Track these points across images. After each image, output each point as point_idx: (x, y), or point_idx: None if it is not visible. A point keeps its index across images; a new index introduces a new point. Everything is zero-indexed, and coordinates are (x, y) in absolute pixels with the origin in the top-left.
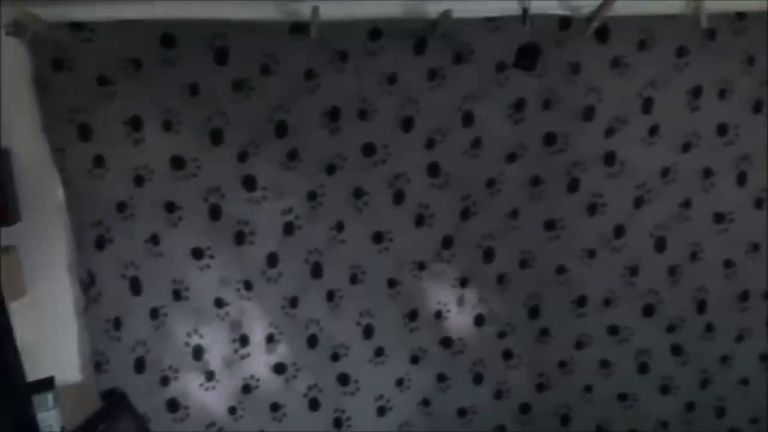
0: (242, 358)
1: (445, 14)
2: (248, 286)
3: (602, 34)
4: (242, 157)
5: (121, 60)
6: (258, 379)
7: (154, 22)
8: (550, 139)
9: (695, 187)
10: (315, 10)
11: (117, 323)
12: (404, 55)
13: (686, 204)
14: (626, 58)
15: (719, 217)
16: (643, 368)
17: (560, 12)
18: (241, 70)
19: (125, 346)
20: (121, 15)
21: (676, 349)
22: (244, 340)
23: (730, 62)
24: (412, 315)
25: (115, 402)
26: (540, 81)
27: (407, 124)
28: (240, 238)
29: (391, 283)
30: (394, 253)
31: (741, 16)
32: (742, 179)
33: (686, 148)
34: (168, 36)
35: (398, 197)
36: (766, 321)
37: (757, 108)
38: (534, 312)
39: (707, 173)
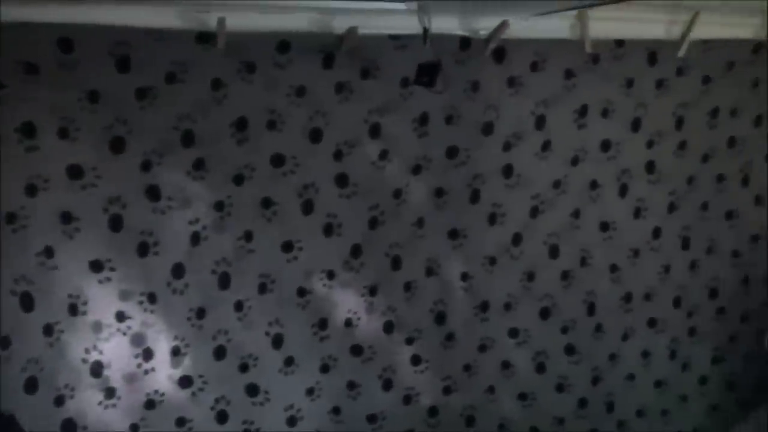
0: (146, 372)
1: (351, 31)
2: (152, 298)
3: (499, 55)
4: (146, 166)
5: (15, 63)
6: (162, 394)
7: (50, 25)
8: (452, 152)
9: (583, 198)
10: (221, 21)
11: (5, 342)
12: (313, 69)
13: (576, 214)
14: (521, 78)
15: (605, 226)
16: (540, 368)
17: (461, 33)
18: (144, 77)
19: (14, 365)
20: (18, 17)
21: (570, 349)
22: (147, 354)
23: (612, 84)
24: (322, 324)
25: (1, 426)
26: (442, 97)
27: (316, 135)
28: (143, 250)
29: (301, 292)
30: (303, 262)
31: (620, 43)
32: (623, 191)
33: (575, 162)
34: (65, 40)
35: (307, 207)
36: (647, 321)
37: (635, 127)
38: (440, 318)
39: (593, 185)
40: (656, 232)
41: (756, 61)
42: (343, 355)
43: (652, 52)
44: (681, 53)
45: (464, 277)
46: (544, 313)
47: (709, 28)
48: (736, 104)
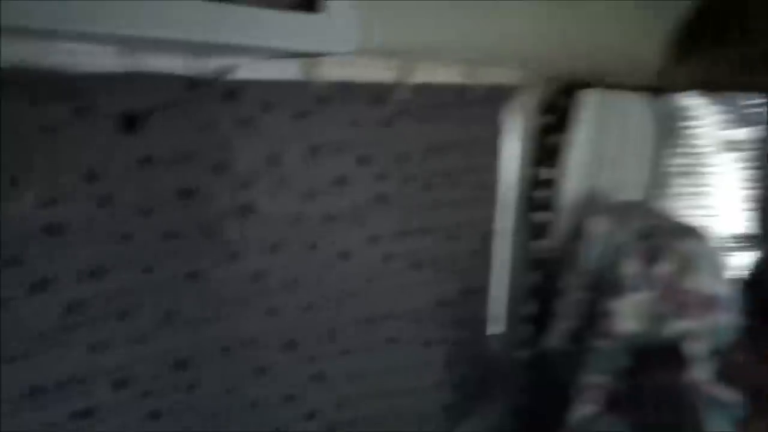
0: None
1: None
2: None
3: (230, 96)
4: None
5: None
6: None
7: None
8: (185, 192)
9: (320, 231)
10: None
11: None
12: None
13: (313, 246)
14: (253, 119)
15: (343, 255)
16: (289, 399)
17: (186, 73)
18: None
19: None
20: None
21: (317, 377)
22: None
23: (341, 124)
24: None
25: None
26: (174, 137)
27: None
28: None
29: None
30: None
31: (346, 85)
32: (360, 222)
33: (310, 197)
34: None
35: None
36: (386, 339)
37: (365, 162)
38: (181, 365)
39: (329, 218)
40: (389, 258)
41: (462, 103)
42: None
43: (375, 94)
44: (400, 96)
45: (207, 320)
46: (290, 346)
47: (423, 74)
48: (449, 140)
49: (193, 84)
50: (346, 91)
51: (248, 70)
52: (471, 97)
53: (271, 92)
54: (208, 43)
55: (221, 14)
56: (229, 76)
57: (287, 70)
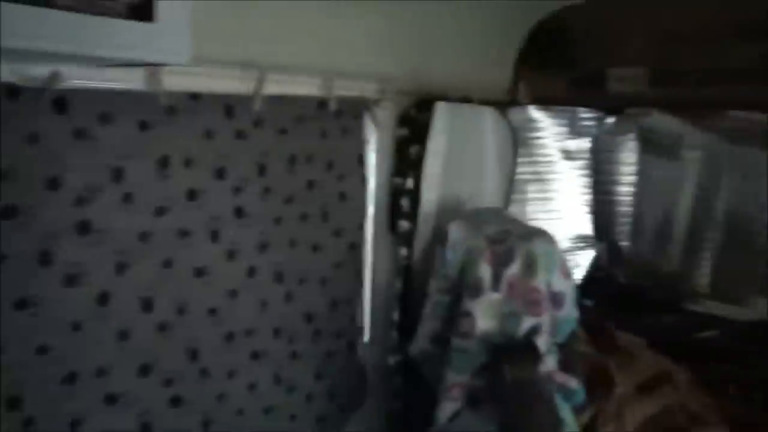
0: None
1: None
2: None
3: (61, 105)
4: None
5: None
6: None
7: None
8: (10, 210)
9: (174, 247)
10: None
11: None
12: None
13: (168, 263)
14: (90, 130)
15: (199, 272)
16: (145, 428)
17: (8, 80)
18: None
19: None
20: None
21: (175, 401)
22: None
23: (192, 136)
24: None
25: None
26: None
27: None
28: None
29: None
30: None
31: (196, 96)
32: (215, 236)
33: (161, 212)
34: None
35: None
36: (251, 355)
37: (219, 175)
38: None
39: (183, 234)
40: (251, 271)
41: (321, 115)
42: None
43: (229, 105)
44: (256, 107)
45: (42, 350)
46: (144, 371)
47: (279, 86)
48: (309, 152)
49: (14, 92)
50: (198, 101)
51: (82, 78)
52: (330, 109)
53: (111, 102)
54: (28, 50)
55: (43, 19)
56: (59, 85)
57: (130, 80)
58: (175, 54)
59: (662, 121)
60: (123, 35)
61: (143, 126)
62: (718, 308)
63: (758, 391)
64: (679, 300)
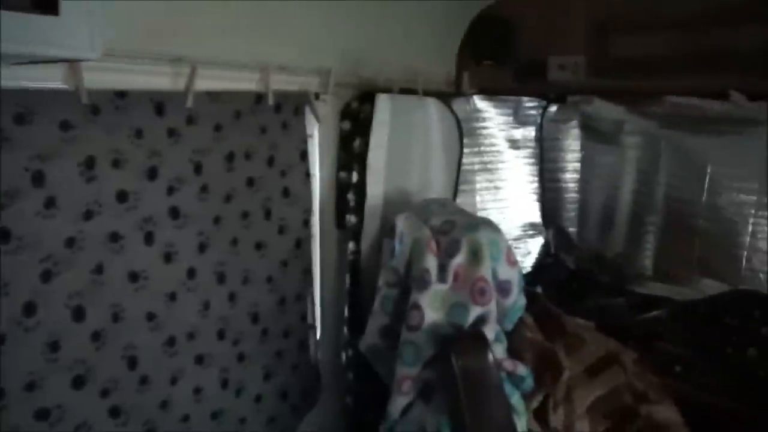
0: None
1: None
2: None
3: None
4: None
5: None
6: None
7: None
8: None
9: (105, 252)
10: None
11: None
12: None
13: (99, 269)
14: (6, 132)
15: (134, 276)
16: None
17: None
18: None
19: None
20: None
21: (115, 411)
22: None
23: (119, 135)
24: None
25: None
26: None
27: None
28: None
29: None
30: None
31: (122, 94)
32: (149, 239)
33: (89, 216)
34: None
35: None
36: (195, 359)
37: (151, 175)
38: None
39: (114, 237)
40: (191, 273)
41: (259, 110)
42: None
43: (160, 102)
44: (189, 104)
45: None
46: (79, 382)
47: (214, 82)
48: (249, 149)
49: None
50: (126, 99)
51: None
52: (268, 104)
53: (27, 102)
54: None
55: None
56: None
57: (48, 78)
58: (83, 49)
59: (603, 108)
60: (27, 29)
61: (64, 126)
62: (661, 289)
63: (699, 367)
64: (625, 282)
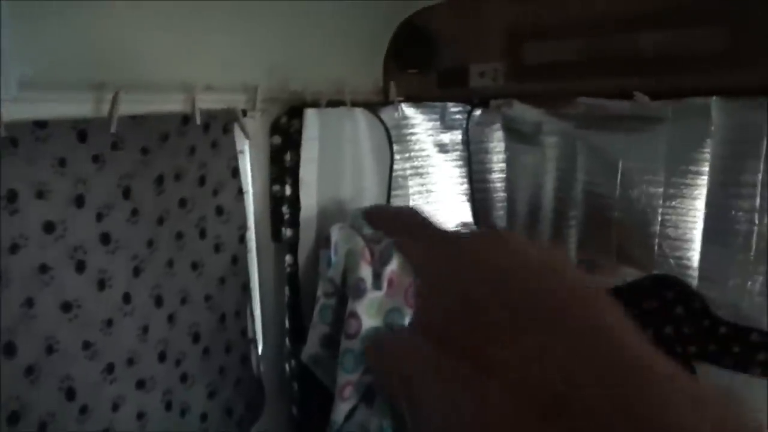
0: None
1: None
2: None
3: None
4: None
5: None
6: None
7: None
8: None
9: (35, 284)
10: None
11: None
12: None
13: (29, 302)
14: None
15: (67, 306)
16: None
17: None
18: None
19: None
20: None
21: None
22: None
23: (42, 165)
24: None
25: None
26: None
27: None
28: None
29: None
30: None
31: (42, 124)
32: (80, 267)
33: (14, 249)
34: None
35: None
36: (136, 384)
37: (79, 203)
38: None
39: (44, 269)
40: (126, 298)
41: (187, 131)
42: None
43: (82, 129)
44: (112, 129)
45: None
46: (13, 419)
47: (139, 105)
48: (178, 170)
49: None
50: (47, 129)
51: None
52: (195, 124)
53: None
54: None
55: None
56: None
57: None
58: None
59: (522, 111)
60: None
61: None
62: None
63: None
64: None
